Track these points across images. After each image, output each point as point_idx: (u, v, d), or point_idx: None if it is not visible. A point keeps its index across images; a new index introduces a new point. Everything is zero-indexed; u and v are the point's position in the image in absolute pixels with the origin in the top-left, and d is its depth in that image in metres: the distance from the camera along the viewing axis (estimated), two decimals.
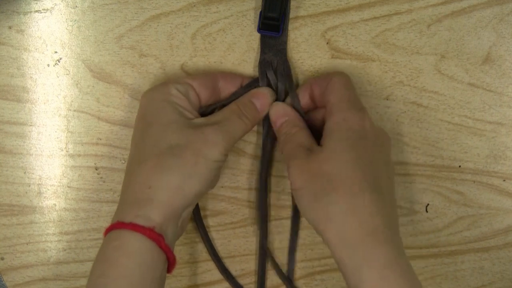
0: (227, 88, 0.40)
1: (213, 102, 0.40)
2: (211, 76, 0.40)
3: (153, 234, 0.34)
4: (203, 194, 0.38)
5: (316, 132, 0.39)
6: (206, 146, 0.36)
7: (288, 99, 0.40)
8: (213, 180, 0.38)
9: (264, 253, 0.44)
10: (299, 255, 0.44)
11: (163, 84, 0.39)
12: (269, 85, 0.40)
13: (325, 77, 0.39)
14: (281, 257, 0.44)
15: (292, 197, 0.43)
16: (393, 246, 0.33)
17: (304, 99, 0.40)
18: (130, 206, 0.35)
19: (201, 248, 0.44)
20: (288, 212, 0.44)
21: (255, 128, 0.42)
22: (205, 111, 0.40)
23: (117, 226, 0.34)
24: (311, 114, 0.41)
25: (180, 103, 0.38)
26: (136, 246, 0.33)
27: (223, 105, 0.40)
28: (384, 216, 0.34)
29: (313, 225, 0.35)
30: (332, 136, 0.36)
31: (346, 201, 0.34)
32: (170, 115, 0.37)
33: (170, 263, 0.35)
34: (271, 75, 0.40)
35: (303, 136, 0.38)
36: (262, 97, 0.40)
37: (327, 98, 0.38)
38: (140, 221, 0.34)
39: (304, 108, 0.40)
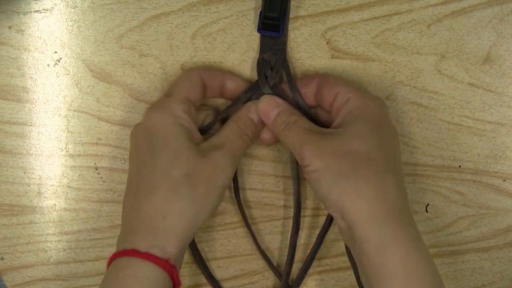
0: (212, 87, 0.40)
1: (217, 96, 0.41)
2: (199, 79, 0.39)
3: (167, 266, 0.34)
4: (208, 219, 0.39)
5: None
6: (216, 174, 0.36)
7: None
8: (219, 204, 0.38)
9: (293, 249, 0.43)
10: (299, 255, 0.44)
11: (166, 104, 0.38)
12: (268, 86, 0.40)
13: (310, 77, 0.40)
14: (282, 258, 0.44)
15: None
16: (413, 230, 0.34)
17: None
18: (144, 235, 0.35)
19: (201, 248, 0.44)
20: (288, 212, 0.44)
21: None
22: (205, 127, 0.40)
23: (130, 253, 0.34)
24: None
25: (187, 126, 0.37)
26: (150, 276, 0.34)
27: (224, 119, 0.41)
28: (402, 194, 0.35)
29: (337, 204, 0.35)
30: (355, 120, 0.36)
31: (374, 179, 0.34)
32: (181, 141, 0.36)
33: None
34: (271, 77, 0.40)
35: (307, 122, 0.38)
36: (258, 111, 0.40)
37: (333, 91, 0.38)
38: (156, 252, 0.34)
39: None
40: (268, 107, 0.39)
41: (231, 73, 0.41)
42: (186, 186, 0.35)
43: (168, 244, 0.34)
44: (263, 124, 0.40)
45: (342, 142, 0.35)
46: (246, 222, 0.43)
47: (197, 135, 0.38)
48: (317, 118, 0.40)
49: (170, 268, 0.34)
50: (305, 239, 0.44)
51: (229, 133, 0.39)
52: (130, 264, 0.34)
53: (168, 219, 0.35)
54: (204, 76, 0.39)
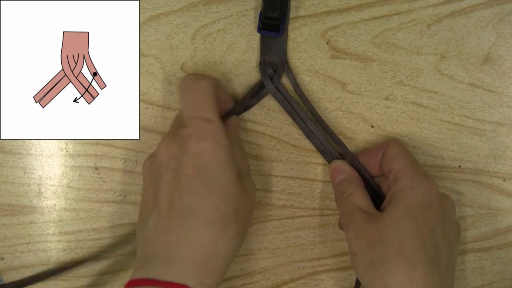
0: (223, 108, 0.40)
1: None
2: (214, 96, 0.37)
3: None
4: None
5: (376, 196, 0.40)
6: (252, 205, 0.37)
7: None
8: None
9: None
10: (299, 255, 0.44)
11: (215, 131, 0.35)
12: (274, 86, 0.41)
13: (377, 148, 0.40)
14: (282, 258, 0.44)
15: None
16: None
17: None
18: (192, 269, 0.33)
19: None
20: (287, 212, 0.44)
21: (255, 128, 0.42)
22: None
23: (174, 286, 0.32)
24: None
25: (231, 154, 0.35)
26: None
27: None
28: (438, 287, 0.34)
29: None
30: (396, 204, 0.36)
31: (402, 272, 0.34)
32: (230, 175, 0.35)
33: None
34: (274, 78, 0.40)
35: (359, 197, 0.38)
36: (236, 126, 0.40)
37: (389, 166, 0.38)
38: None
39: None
40: (335, 172, 0.40)
41: (224, 89, 0.40)
42: (235, 223, 0.34)
43: (213, 282, 0.33)
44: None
45: (379, 229, 0.35)
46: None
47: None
48: (379, 190, 0.40)
49: None
50: (305, 239, 0.44)
51: (241, 156, 0.38)
52: None
53: (219, 257, 0.34)
54: (216, 87, 0.38)
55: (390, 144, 0.39)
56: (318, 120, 0.41)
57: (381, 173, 0.40)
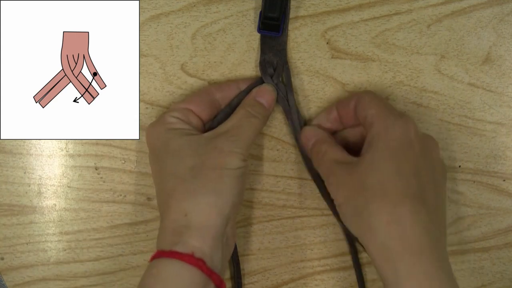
0: (226, 98, 0.40)
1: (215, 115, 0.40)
2: (206, 92, 0.40)
3: (192, 259, 0.33)
4: (238, 205, 0.37)
5: (350, 150, 0.39)
6: (223, 157, 0.36)
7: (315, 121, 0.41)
8: (243, 188, 0.38)
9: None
10: (299, 255, 0.44)
11: (160, 116, 0.39)
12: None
13: (350, 97, 0.39)
14: (282, 258, 0.44)
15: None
16: (434, 259, 0.33)
17: (330, 120, 0.41)
18: (169, 235, 0.35)
19: None
20: (287, 212, 0.44)
21: None
22: (212, 125, 0.40)
23: (157, 255, 0.34)
24: (342, 133, 0.41)
25: (182, 127, 0.38)
26: (174, 272, 0.33)
27: (228, 111, 0.40)
28: (426, 226, 0.33)
29: (359, 238, 0.35)
30: (373, 147, 0.35)
31: (386, 213, 0.33)
32: (177, 141, 0.37)
33: (217, 285, 0.35)
34: (275, 77, 0.40)
35: (335, 152, 0.38)
36: (266, 94, 0.40)
37: (363, 113, 0.37)
38: (179, 248, 0.34)
39: (332, 129, 0.41)
40: (306, 137, 0.40)
41: (243, 80, 0.41)
42: (194, 178, 0.35)
43: (190, 238, 0.34)
44: (271, 106, 0.40)
45: (360, 174, 0.35)
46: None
47: (197, 131, 0.39)
48: (344, 142, 0.40)
49: (195, 261, 0.33)
50: (305, 239, 0.44)
51: (234, 118, 0.39)
52: (156, 265, 0.34)
53: (188, 215, 0.35)
54: (214, 90, 0.40)
55: (363, 93, 0.39)
56: (295, 128, 0.41)
57: (357, 122, 0.39)
